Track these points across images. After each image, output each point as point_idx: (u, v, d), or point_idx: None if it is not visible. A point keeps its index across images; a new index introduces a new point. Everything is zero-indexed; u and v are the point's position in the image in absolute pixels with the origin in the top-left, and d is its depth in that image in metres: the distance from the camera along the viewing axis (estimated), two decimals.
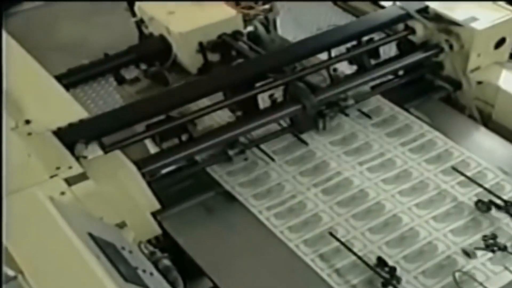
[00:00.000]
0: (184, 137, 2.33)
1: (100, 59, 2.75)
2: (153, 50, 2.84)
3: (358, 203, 2.15)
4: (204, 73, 2.77)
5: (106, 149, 2.11)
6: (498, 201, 2.07)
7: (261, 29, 2.99)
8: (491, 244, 1.96)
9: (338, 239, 2.01)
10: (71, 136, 2.07)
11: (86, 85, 3.13)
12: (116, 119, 2.26)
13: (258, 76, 2.49)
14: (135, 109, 2.35)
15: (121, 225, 1.90)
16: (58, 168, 1.92)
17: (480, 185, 2.14)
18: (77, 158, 2.01)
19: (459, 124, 2.47)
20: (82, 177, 1.91)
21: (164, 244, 2.06)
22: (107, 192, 1.93)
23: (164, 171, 2.25)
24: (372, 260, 1.94)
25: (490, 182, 2.16)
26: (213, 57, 2.81)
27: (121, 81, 2.84)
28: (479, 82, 2.53)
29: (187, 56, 2.79)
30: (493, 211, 2.05)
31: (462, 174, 2.20)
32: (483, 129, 2.45)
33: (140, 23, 3.03)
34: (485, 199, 2.08)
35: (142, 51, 2.85)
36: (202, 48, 2.79)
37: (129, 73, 2.85)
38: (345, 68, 2.73)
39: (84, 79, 2.71)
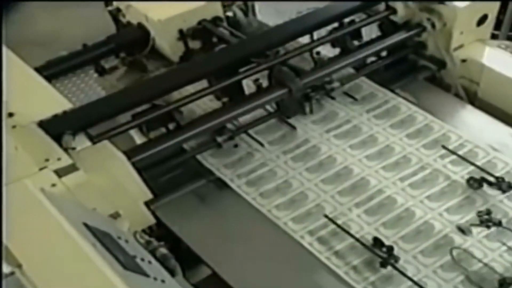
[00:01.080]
0: (171, 126, 2.31)
1: (79, 50, 2.72)
2: (132, 38, 2.82)
3: (354, 187, 2.17)
4: (186, 60, 2.76)
5: (94, 139, 2.09)
6: (490, 178, 2.11)
7: (240, 14, 2.99)
8: (486, 220, 2.00)
9: (335, 222, 2.04)
10: (57, 128, 2.05)
11: (66, 78, 3.09)
12: (101, 108, 2.24)
13: (242, 62, 2.49)
14: (120, 98, 2.34)
15: (115, 216, 1.90)
16: (47, 160, 1.90)
17: (472, 163, 2.17)
18: (65, 150, 1.98)
19: (446, 104, 2.50)
20: (72, 168, 1.90)
21: (159, 233, 2.06)
22: (99, 182, 1.92)
23: (154, 160, 2.24)
24: (369, 242, 1.96)
25: (481, 160, 2.20)
26: (194, 44, 2.80)
27: (101, 72, 2.81)
28: (463, 60, 2.57)
29: (168, 44, 2.77)
30: (485, 188, 2.09)
31: (454, 153, 2.23)
32: (469, 108, 2.49)
33: (116, 12, 3.00)
34: (477, 177, 2.12)
35: (121, 41, 2.82)
36: (183, 35, 2.77)
37: (110, 63, 2.82)
38: (328, 51, 2.75)
39: (64, 71, 2.67)
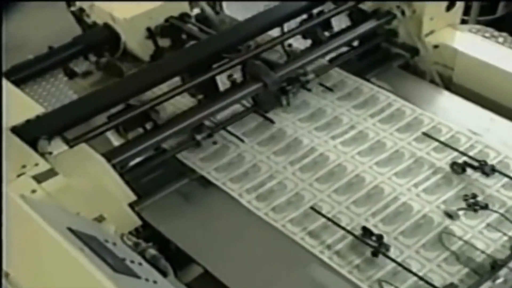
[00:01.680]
0: (148, 126, 2.29)
1: (46, 53, 2.67)
2: (100, 39, 2.78)
3: (338, 178, 2.17)
4: (157, 59, 2.73)
5: (70, 143, 2.05)
6: (472, 162, 2.13)
7: (208, 10, 2.97)
8: (473, 203, 2.02)
9: (323, 215, 2.04)
10: (31, 133, 2.00)
11: (34, 83, 3.02)
12: (75, 111, 2.20)
13: (214, 58, 2.47)
14: (94, 100, 2.29)
15: (100, 219, 1.87)
16: (24, 166, 1.85)
17: (455, 149, 2.20)
18: (42, 155, 1.94)
19: (422, 90, 2.53)
20: (51, 173, 1.85)
21: (146, 234, 2.04)
22: (80, 186, 1.88)
23: (134, 161, 2.22)
24: (359, 232, 1.97)
25: (460, 143, 2.23)
26: (164, 42, 2.78)
27: (71, 75, 2.75)
28: (436, 46, 2.60)
29: (137, 43, 2.75)
30: (469, 172, 2.12)
31: (436, 139, 2.26)
32: (446, 93, 2.52)
33: (79, 13, 2.95)
34: (460, 161, 2.15)
35: (89, 41, 2.78)
36: (151, 34, 2.75)
37: (79, 65, 2.77)
38: (300, 44, 2.76)
39: (31, 75, 2.61)
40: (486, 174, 2.10)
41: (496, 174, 2.10)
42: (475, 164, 2.12)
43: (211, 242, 2.01)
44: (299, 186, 2.15)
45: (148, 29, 2.73)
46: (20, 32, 3.85)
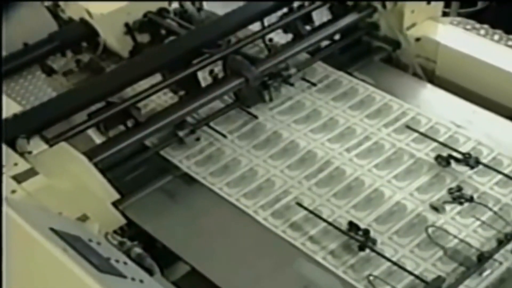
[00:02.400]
0: (130, 123, 2.28)
1: (21, 50, 2.63)
2: (77, 35, 2.75)
3: (319, 171, 2.19)
4: (136, 55, 2.71)
5: (50, 142, 2.03)
6: (457, 154, 2.16)
7: (188, 4, 2.96)
8: (458, 196, 2.04)
9: (306, 208, 2.05)
10: (9, 132, 1.98)
11: (11, 80, 2.98)
12: (54, 109, 2.19)
13: (194, 53, 2.47)
14: (73, 97, 2.29)
15: (83, 219, 1.87)
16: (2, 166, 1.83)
17: (435, 140, 2.23)
18: (21, 154, 1.93)
19: (405, 83, 2.56)
20: (31, 173, 1.84)
21: (131, 233, 2.04)
22: (61, 186, 1.87)
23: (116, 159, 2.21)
24: (343, 225, 1.98)
25: (444, 136, 2.26)
26: (143, 37, 2.76)
27: (49, 72, 2.72)
28: (418, 39, 2.62)
29: (115, 39, 2.72)
30: (453, 165, 2.14)
31: (416, 131, 2.28)
32: (429, 86, 2.55)
33: (54, 8, 2.91)
34: (444, 154, 2.17)
35: (65, 38, 2.74)
36: (129, 29, 2.73)
37: (57, 62, 2.74)
38: (281, 38, 2.77)
39: (7, 73, 2.57)
40: (471, 167, 2.12)
41: (481, 167, 2.12)
42: (460, 156, 2.14)
43: (197, 239, 2.01)
44: (287, 184, 2.16)
45: (126, 25, 2.71)
46: None
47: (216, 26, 2.64)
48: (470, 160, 2.13)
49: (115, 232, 1.99)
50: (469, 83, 2.45)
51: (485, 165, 2.13)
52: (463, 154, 2.15)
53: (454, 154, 2.16)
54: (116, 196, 2.06)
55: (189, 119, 2.37)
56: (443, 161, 2.15)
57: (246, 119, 2.44)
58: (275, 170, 2.21)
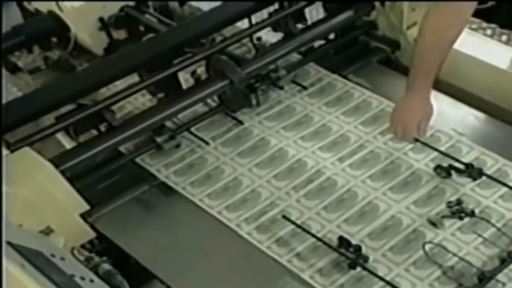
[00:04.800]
0: (103, 128, 2.30)
1: None
2: (45, 29, 2.78)
3: (309, 181, 2.22)
4: (112, 53, 2.74)
5: (11, 147, 2.05)
6: (458, 165, 2.19)
7: None
8: (458, 210, 2.06)
9: (293, 222, 2.07)
10: None
11: None
12: (18, 110, 2.19)
13: (175, 52, 2.49)
14: (40, 97, 2.30)
15: (47, 232, 1.87)
16: None
17: (436, 149, 2.25)
18: None
19: (403, 88, 2.56)
20: None
21: (102, 247, 2.06)
22: (23, 195, 1.87)
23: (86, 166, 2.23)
24: (334, 241, 2.01)
25: (445, 145, 2.28)
26: (119, 34, 2.79)
27: (13, 69, 2.73)
28: None
29: (88, 35, 2.75)
30: (454, 176, 2.17)
31: (415, 139, 2.30)
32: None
33: None
34: (444, 164, 2.19)
35: (32, 32, 2.76)
36: (104, 24, 2.75)
37: (23, 59, 2.75)
38: (272, 37, 2.80)
39: None
40: (473, 179, 2.15)
41: (484, 178, 2.15)
42: (461, 167, 2.17)
43: (175, 255, 2.03)
44: (274, 195, 2.18)
45: (101, 19, 2.73)
46: None
47: (200, 23, 2.66)
48: (472, 172, 2.16)
49: (83, 246, 2.00)
50: (474, 87, 2.47)
51: (489, 177, 2.15)
52: (465, 164, 2.18)
53: (456, 164, 2.19)
54: (85, 207, 2.06)
55: (168, 123, 2.39)
56: (443, 171, 2.18)
57: (230, 124, 2.46)
58: (261, 180, 2.23)
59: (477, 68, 2.48)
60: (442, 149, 2.27)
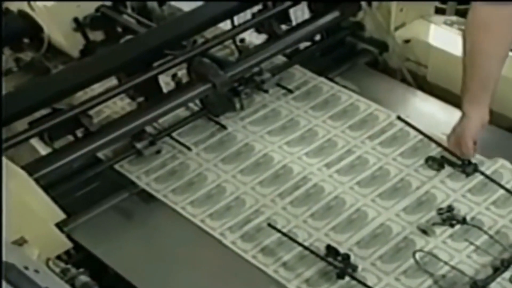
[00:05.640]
0: (80, 133, 2.30)
1: None
2: (16, 30, 2.75)
3: (295, 188, 2.23)
4: (88, 55, 2.74)
5: None
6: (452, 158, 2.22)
7: None
8: (449, 217, 2.08)
9: (279, 230, 2.08)
10: None
11: None
12: None
13: (154, 54, 2.49)
14: (11, 102, 2.24)
15: (20, 242, 1.86)
16: None
17: (430, 138, 2.31)
18: None
19: (392, 90, 2.61)
20: None
21: (78, 259, 2.05)
22: None
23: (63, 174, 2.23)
24: (321, 250, 2.02)
25: (435, 150, 2.30)
26: (95, 35, 2.79)
27: None
28: (407, 41, 2.68)
29: (62, 36, 2.74)
30: (447, 181, 2.20)
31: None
32: (419, 93, 2.61)
33: None
34: (437, 156, 2.25)
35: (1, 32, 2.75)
36: (79, 25, 2.75)
37: None
38: (254, 39, 2.82)
39: None
40: (467, 174, 2.19)
41: (476, 181, 2.19)
42: (456, 161, 2.21)
43: (156, 266, 2.03)
44: (259, 203, 2.20)
45: (75, 20, 2.73)
46: None
47: (180, 24, 2.66)
48: (467, 167, 2.19)
49: (59, 258, 1.99)
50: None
51: (484, 174, 2.18)
52: (461, 159, 2.21)
53: (451, 157, 2.23)
54: (61, 216, 2.06)
55: (148, 129, 2.39)
56: (435, 164, 2.22)
57: (213, 129, 2.47)
58: (246, 187, 2.25)
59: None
60: (433, 153, 2.29)
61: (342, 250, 2.01)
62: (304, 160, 2.33)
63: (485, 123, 2.18)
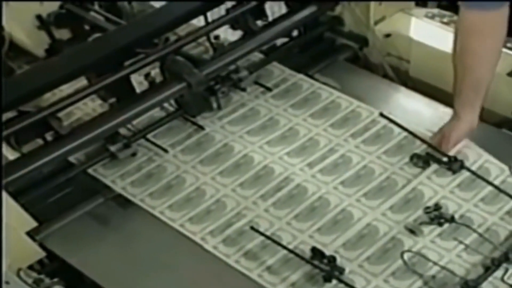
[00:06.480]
0: (49, 136, 2.30)
1: None
2: None
3: (277, 189, 2.26)
4: (55, 54, 2.74)
5: None
6: (440, 156, 2.26)
7: None
8: (436, 216, 2.12)
9: (262, 233, 2.11)
10: None
11: None
12: None
13: (125, 53, 2.50)
14: None
15: None
16: None
17: (415, 136, 2.34)
18: None
19: (374, 87, 2.64)
20: None
21: (52, 268, 2.05)
22: None
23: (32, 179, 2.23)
24: (306, 253, 2.05)
25: (420, 148, 2.34)
26: (62, 33, 2.78)
27: None
28: (387, 35, 2.73)
29: (25, 34, 2.75)
30: (434, 177, 2.24)
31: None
32: (402, 89, 2.66)
33: None
34: (422, 153, 2.28)
35: None
36: (43, 23, 2.75)
37: None
38: (229, 35, 2.85)
39: None
40: (453, 171, 2.23)
41: (463, 177, 2.23)
42: (442, 158, 2.25)
43: (134, 273, 2.04)
44: (241, 205, 2.22)
45: (39, 17, 2.72)
46: None
47: (152, 21, 2.67)
48: (453, 164, 2.23)
49: (31, 267, 1.99)
50: (448, 85, 2.54)
51: (470, 170, 2.22)
52: (447, 156, 2.25)
53: (437, 154, 2.27)
54: (32, 224, 2.07)
55: (122, 131, 2.40)
56: (421, 161, 2.26)
57: (190, 130, 2.50)
58: (226, 189, 2.27)
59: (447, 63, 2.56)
60: (418, 151, 2.33)
61: (328, 252, 2.03)
62: (286, 160, 2.35)
63: (473, 127, 2.24)
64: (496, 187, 2.19)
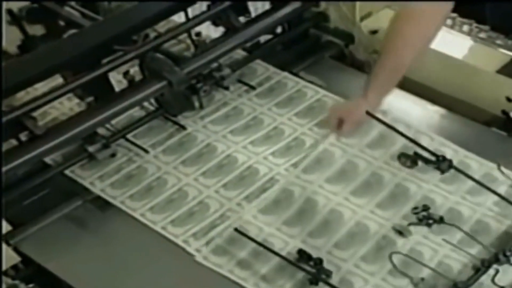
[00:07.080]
0: (23, 137, 2.29)
1: None
2: None
3: (262, 190, 2.28)
4: (28, 51, 2.73)
5: None
6: (426, 154, 2.27)
7: None
8: (425, 217, 2.15)
9: (247, 236, 2.11)
10: None
11: None
12: None
13: (103, 50, 2.50)
14: None
15: None
16: None
17: (402, 134, 2.36)
18: None
19: (361, 85, 2.63)
20: None
21: (28, 273, 2.05)
22: None
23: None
24: (292, 254, 2.06)
25: (407, 146, 2.36)
26: (35, 29, 2.78)
27: None
28: (374, 32, 2.76)
29: None
30: (420, 175, 2.27)
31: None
32: None
33: None
34: (409, 152, 2.30)
35: None
36: (15, 18, 2.74)
37: None
38: (211, 32, 2.87)
39: None
40: (441, 171, 2.25)
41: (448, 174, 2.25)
42: (430, 157, 2.26)
43: (114, 278, 2.03)
44: (224, 206, 2.23)
45: (10, 12, 2.72)
46: None
47: (130, 16, 2.67)
48: (442, 164, 2.25)
49: (5, 273, 1.98)
50: (437, 83, 2.58)
51: (459, 170, 2.24)
52: (435, 155, 2.26)
53: (424, 153, 2.28)
54: (5, 227, 2.07)
55: (101, 130, 2.41)
56: (408, 161, 2.28)
57: (172, 130, 2.50)
58: (209, 190, 2.28)
59: (440, 63, 2.60)
60: (403, 148, 2.36)
61: (320, 254, 2.05)
62: (270, 160, 2.37)
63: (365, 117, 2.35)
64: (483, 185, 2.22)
